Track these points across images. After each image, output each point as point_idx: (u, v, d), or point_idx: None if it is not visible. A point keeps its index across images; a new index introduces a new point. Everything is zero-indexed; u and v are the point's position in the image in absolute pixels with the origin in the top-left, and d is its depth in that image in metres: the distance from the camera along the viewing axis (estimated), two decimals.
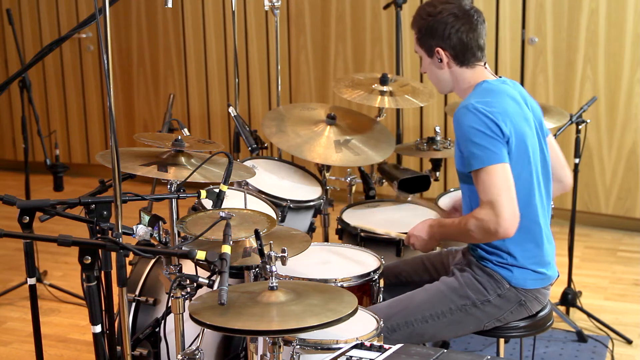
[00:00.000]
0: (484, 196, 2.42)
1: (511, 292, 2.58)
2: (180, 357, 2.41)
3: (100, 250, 1.97)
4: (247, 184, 3.10)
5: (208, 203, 2.64)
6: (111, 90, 2.05)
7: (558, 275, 2.71)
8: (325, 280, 2.55)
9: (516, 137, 2.49)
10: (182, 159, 2.56)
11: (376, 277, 2.66)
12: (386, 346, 2.04)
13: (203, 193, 2.41)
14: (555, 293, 2.71)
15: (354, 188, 3.63)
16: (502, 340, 2.73)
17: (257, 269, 2.52)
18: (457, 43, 2.58)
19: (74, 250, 1.94)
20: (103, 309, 2.09)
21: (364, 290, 2.63)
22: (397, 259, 3.02)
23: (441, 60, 2.61)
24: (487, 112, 2.45)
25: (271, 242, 2.26)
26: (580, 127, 3.69)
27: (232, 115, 3.39)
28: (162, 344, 2.78)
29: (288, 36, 5.51)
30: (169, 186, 2.52)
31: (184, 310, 2.41)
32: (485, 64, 2.65)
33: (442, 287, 2.62)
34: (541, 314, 2.67)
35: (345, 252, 2.87)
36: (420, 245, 2.70)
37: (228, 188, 2.44)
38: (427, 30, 2.60)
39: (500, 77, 2.66)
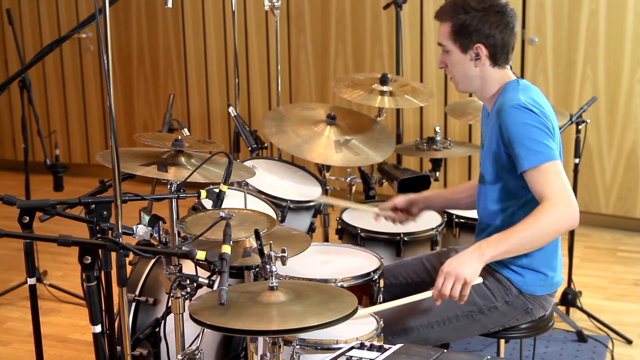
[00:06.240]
0: (554, 192, 2.33)
1: (519, 299, 2.57)
2: (180, 357, 2.41)
3: (100, 250, 1.97)
4: (247, 184, 3.10)
5: (208, 203, 2.64)
6: (111, 90, 2.05)
7: (563, 282, 2.69)
8: (325, 280, 2.55)
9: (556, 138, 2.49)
10: (182, 159, 2.56)
11: (376, 277, 2.66)
12: (386, 346, 2.04)
13: (203, 193, 2.41)
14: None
15: (354, 188, 3.63)
16: (502, 341, 2.73)
17: (257, 269, 2.52)
18: (499, 42, 2.53)
19: (74, 250, 1.94)
20: (103, 309, 2.09)
21: (364, 290, 2.63)
22: (397, 259, 3.02)
23: (478, 58, 2.54)
24: (539, 110, 2.43)
25: (271, 242, 2.26)
26: (580, 127, 3.69)
27: (232, 115, 3.39)
28: (162, 344, 2.77)
29: (288, 36, 5.51)
30: (169, 186, 2.52)
31: (184, 310, 2.41)
32: (510, 67, 2.62)
33: None
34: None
35: (345, 252, 2.87)
36: (469, 272, 2.33)
37: (228, 188, 2.44)
38: (469, 25, 2.51)
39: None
